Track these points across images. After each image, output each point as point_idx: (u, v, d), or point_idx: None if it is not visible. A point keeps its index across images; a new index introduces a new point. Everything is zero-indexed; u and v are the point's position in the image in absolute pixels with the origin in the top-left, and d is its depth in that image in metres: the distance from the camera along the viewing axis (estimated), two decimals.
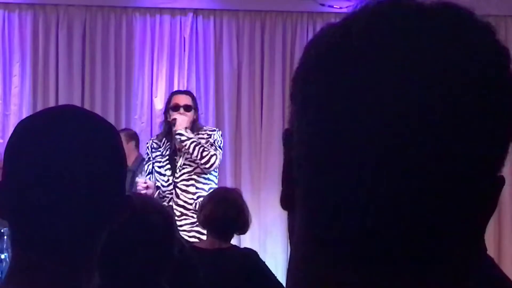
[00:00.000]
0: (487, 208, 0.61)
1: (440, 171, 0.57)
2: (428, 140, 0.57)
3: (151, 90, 6.57)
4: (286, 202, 0.66)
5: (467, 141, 0.58)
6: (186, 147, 4.82)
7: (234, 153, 6.62)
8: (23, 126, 1.16)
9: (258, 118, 6.64)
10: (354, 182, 0.58)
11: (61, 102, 6.18)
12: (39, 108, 5.48)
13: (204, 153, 4.80)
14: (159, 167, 4.96)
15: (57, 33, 6.52)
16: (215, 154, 4.85)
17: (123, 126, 6.36)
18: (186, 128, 4.87)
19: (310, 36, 5.79)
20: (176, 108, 4.97)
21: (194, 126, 4.99)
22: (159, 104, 6.50)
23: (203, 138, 4.94)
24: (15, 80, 6.47)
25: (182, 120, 4.88)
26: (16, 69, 6.48)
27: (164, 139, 5.00)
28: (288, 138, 0.65)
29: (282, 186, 0.66)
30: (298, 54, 6.57)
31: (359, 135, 0.58)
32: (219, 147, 4.97)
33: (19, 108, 6.42)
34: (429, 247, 0.59)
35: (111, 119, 6.06)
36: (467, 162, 0.58)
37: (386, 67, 0.58)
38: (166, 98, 6.50)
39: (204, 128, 5.13)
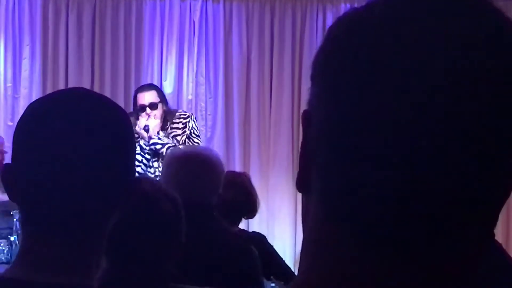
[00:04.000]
0: (502, 193, 0.61)
1: (460, 156, 0.57)
2: (449, 126, 0.57)
3: (161, 74, 6.56)
4: (302, 183, 0.66)
5: (485, 127, 0.58)
6: (163, 154, 4.72)
7: (243, 138, 6.61)
8: (33, 109, 1.16)
9: (267, 103, 6.62)
10: (373, 164, 0.58)
11: (71, 85, 6.16)
12: (49, 91, 5.47)
13: None
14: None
15: (67, 16, 6.51)
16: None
17: (132, 110, 6.36)
18: (158, 132, 4.85)
19: (320, 20, 5.76)
20: (143, 109, 4.93)
21: (167, 117, 4.93)
22: (169, 88, 6.49)
23: (178, 129, 4.91)
24: (25, 63, 6.47)
25: (153, 126, 4.85)
26: (26, 52, 6.47)
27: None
28: (307, 119, 0.65)
29: (299, 167, 0.66)
30: (308, 39, 6.55)
31: (379, 117, 0.58)
32: (197, 136, 4.93)
33: (29, 91, 6.42)
34: (443, 230, 0.59)
35: (120, 103, 6.04)
36: (486, 147, 0.58)
37: (410, 49, 0.58)
38: (175, 82, 6.51)
39: (177, 114, 5.04)
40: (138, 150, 4.84)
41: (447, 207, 0.58)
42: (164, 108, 5.01)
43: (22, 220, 1.16)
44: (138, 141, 4.89)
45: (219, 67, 6.61)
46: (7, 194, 1.15)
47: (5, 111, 6.41)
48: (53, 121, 1.12)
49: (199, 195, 2.55)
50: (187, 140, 4.89)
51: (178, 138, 4.87)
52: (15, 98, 6.45)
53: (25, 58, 6.47)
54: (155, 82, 6.47)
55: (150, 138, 4.86)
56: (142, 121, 4.91)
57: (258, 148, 6.60)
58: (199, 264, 2.39)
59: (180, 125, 4.96)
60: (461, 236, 0.60)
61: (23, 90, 6.44)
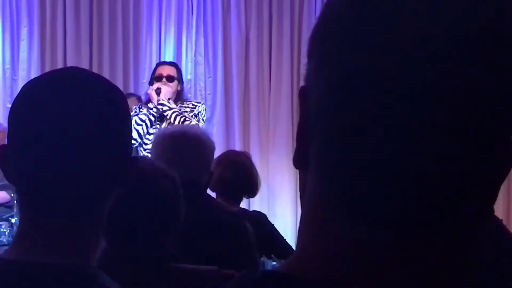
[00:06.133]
0: (501, 171, 0.61)
1: (458, 132, 0.57)
2: (446, 99, 0.56)
3: (159, 54, 6.54)
4: (299, 160, 0.65)
5: (483, 102, 0.57)
6: (168, 116, 4.92)
7: (242, 116, 6.61)
8: (28, 88, 1.15)
9: (266, 82, 6.61)
10: (370, 141, 0.58)
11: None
12: None
13: (186, 123, 4.87)
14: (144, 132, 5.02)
15: None
16: (196, 125, 4.90)
17: (131, 90, 6.36)
18: (169, 99, 5.00)
19: None
20: (159, 78, 5.10)
21: (178, 98, 5.11)
22: None
23: (187, 107, 5.05)
24: (23, 45, 6.46)
25: (166, 91, 5.01)
26: (24, 34, 6.45)
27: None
28: (304, 95, 0.64)
29: (297, 144, 0.66)
30: (306, 17, 6.52)
31: (377, 93, 0.57)
32: (202, 119, 5.07)
33: (27, 73, 6.40)
34: (441, 208, 0.59)
35: (119, 84, 6.05)
36: (484, 123, 0.57)
37: (410, 20, 0.57)
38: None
39: (189, 101, 5.25)
40: (144, 110, 5.02)
41: (444, 184, 0.58)
42: (179, 87, 5.16)
43: (19, 201, 1.16)
44: (147, 104, 5.05)
45: (218, 46, 6.59)
46: (4, 176, 1.14)
47: (4, 93, 6.40)
48: (48, 101, 1.11)
49: (188, 173, 2.54)
50: (194, 117, 5.00)
51: (186, 114, 4.95)
52: (13, 80, 6.44)
53: (23, 39, 6.45)
54: (154, 62, 6.45)
55: (159, 100, 4.99)
56: (155, 84, 5.07)
57: (257, 127, 6.60)
58: (192, 242, 2.39)
59: (191, 105, 5.11)
60: (458, 212, 0.60)
61: (22, 72, 6.43)
